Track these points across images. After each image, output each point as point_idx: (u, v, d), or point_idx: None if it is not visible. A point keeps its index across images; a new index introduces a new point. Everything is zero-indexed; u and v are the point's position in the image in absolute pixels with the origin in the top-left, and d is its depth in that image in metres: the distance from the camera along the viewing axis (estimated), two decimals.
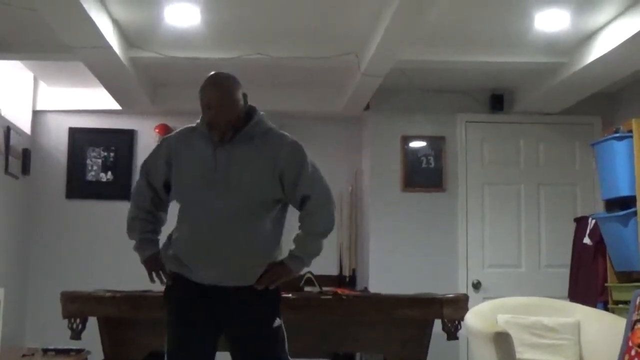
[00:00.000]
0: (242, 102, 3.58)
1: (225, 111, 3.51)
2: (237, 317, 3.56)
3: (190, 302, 3.59)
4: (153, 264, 3.72)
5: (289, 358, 3.63)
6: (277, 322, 3.58)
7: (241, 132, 3.56)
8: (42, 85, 7.55)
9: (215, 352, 3.68)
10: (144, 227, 3.74)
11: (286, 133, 3.74)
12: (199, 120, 3.71)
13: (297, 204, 3.61)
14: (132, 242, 3.84)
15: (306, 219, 3.61)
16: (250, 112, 3.65)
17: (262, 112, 3.71)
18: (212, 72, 3.63)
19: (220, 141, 3.55)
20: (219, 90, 3.54)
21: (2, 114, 6.73)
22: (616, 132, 6.20)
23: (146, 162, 3.76)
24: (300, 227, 3.64)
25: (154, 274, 3.73)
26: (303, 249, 3.61)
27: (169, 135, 3.88)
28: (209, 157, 3.55)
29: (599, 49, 5.66)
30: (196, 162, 3.58)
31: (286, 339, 3.62)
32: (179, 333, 3.60)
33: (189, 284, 3.57)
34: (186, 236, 3.58)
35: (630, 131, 6.00)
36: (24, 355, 5.12)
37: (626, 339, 4.66)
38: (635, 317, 4.64)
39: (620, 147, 6.07)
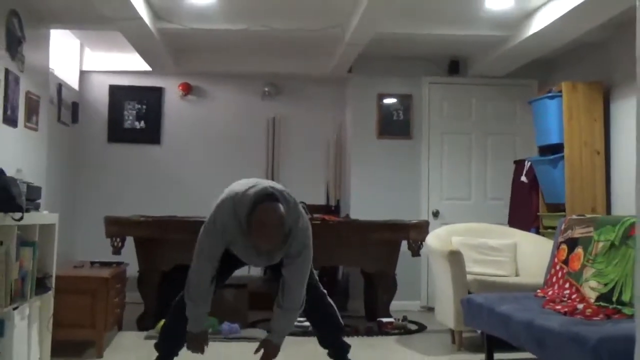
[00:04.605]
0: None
1: (272, 248, 3.36)
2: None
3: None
4: (200, 339, 3.53)
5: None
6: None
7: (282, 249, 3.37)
8: (86, 50, 7.46)
9: None
10: (204, 309, 3.52)
11: (306, 229, 3.45)
12: (241, 215, 3.30)
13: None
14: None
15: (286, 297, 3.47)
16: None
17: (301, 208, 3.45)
18: (273, 218, 3.22)
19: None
20: (276, 240, 3.26)
21: (55, 74, 6.67)
22: (549, 92, 6.20)
23: (208, 249, 3.41)
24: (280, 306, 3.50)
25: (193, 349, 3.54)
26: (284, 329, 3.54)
27: (221, 224, 3.37)
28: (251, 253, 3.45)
29: (537, 24, 5.61)
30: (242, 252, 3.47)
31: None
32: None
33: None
34: None
35: (561, 91, 6.01)
36: (75, 267, 5.15)
37: (553, 257, 4.72)
38: (560, 240, 4.69)
39: (552, 104, 6.09)
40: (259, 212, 3.18)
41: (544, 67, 7.21)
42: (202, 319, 3.51)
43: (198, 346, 3.50)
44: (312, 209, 6.20)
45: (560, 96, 5.99)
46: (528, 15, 5.75)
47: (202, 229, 3.44)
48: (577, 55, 6.64)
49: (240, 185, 3.45)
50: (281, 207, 3.22)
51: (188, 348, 3.52)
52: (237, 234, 3.30)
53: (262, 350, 3.50)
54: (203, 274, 3.38)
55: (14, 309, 3.45)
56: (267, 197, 3.23)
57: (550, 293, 4.42)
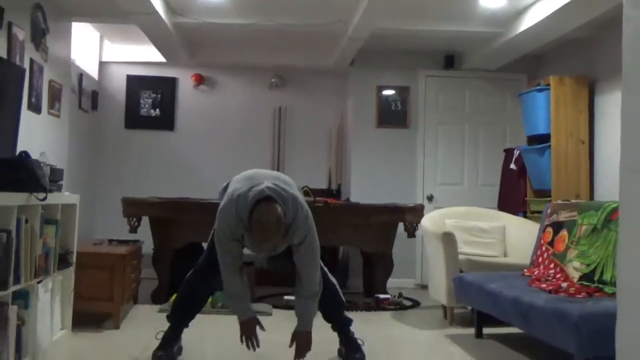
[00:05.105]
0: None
1: (273, 246, 3.32)
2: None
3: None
4: (251, 324, 3.44)
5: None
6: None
7: (284, 240, 3.31)
8: (106, 42, 7.45)
9: None
10: (245, 301, 3.47)
11: (305, 218, 3.33)
12: (245, 210, 3.20)
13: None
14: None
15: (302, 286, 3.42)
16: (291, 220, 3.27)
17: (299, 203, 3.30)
18: (270, 219, 3.13)
19: None
20: (275, 238, 3.18)
21: (76, 64, 6.66)
22: (538, 85, 6.19)
23: (230, 251, 3.34)
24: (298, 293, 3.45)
25: (245, 338, 3.41)
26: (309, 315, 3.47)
27: (226, 226, 3.29)
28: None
29: (527, 22, 5.59)
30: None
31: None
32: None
33: None
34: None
35: (548, 85, 6.00)
36: (94, 244, 5.16)
37: (539, 239, 4.73)
38: (546, 223, 4.70)
39: (540, 97, 6.07)
40: (257, 214, 3.15)
41: (533, 62, 7.19)
42: (248, 307, 3.45)
43: (251, 332, 3.40)
44: (315, 192, 6.22)
45: (548, 89, 5.98)
46: (519, 12, 5.73)
47: (215, 237, 3.40)
48: (565, 51, 6.62)
49: (242, 182, 3.38)
50: (278, 207, 3.17)
51: (242, 339, 3.40)
52: (243, 231, 3.28)
53: (295, 343, 3.43)
54: (233, 273, 3.36)
55: (38, 282, 3.47)
56: (265, 199, 3.19)
57: (536, 272, 4.43)
